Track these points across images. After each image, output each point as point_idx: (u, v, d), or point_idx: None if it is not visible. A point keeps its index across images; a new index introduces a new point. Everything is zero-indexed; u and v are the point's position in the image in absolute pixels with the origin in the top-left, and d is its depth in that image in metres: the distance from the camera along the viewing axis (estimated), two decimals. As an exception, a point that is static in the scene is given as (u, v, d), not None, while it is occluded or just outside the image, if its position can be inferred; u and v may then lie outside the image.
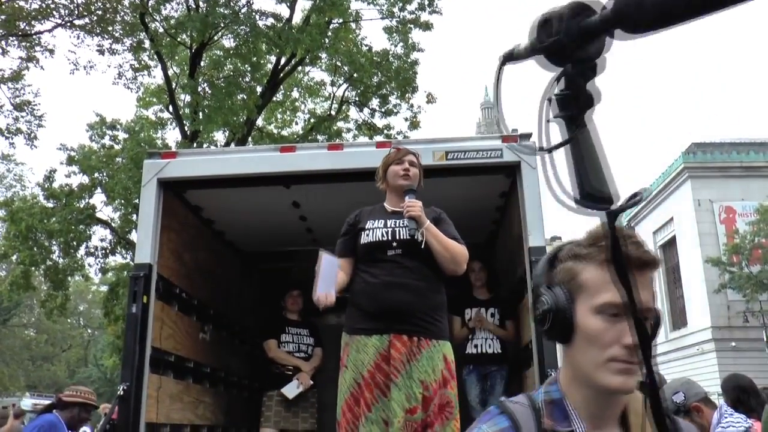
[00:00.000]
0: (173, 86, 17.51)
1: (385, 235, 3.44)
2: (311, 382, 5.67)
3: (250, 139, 17.75)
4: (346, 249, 3.58)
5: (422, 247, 3.37)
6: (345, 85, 19.49)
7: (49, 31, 15.37)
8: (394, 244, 3.42)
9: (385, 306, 3.29)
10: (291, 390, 5.57)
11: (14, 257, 19.13)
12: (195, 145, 15.96)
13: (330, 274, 3.28)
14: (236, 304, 6.76)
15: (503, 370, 5.50)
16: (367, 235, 3.46)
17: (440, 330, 3.39)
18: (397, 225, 3.46)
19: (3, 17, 14.16)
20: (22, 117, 16.09)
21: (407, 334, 3.26)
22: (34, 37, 15.32)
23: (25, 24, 14.88)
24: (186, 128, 16.76)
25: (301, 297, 6.00)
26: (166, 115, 19.89)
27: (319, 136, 18.73)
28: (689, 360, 28.40)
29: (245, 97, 16.17)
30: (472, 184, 5.05)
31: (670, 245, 31.57)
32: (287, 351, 5.77)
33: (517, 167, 4.57)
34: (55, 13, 15.00)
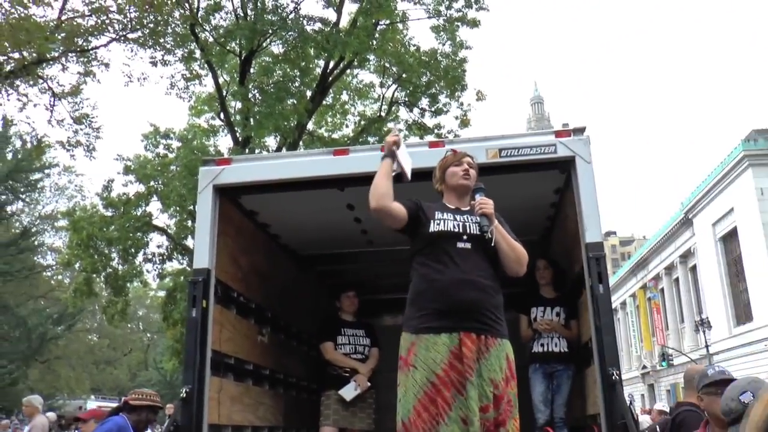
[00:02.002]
0: (224, 94, 17.84)
1: (456, 227, 3.39)
2: (368, 384, 5.67)
3: (301, 143, 17.96)
4: (407, 206, 3.50)
5: (492, 244, 3.35)
6: (394, 86, 19.55)
7: (105, 45, 15.85)
8: (465, 237, 3.39)
9: (456, 304, 3.25)
10: (348, 392, 5.57)
11: (77, 265, 19.76)
12: (247, 151, 16.23)
13: (404, 155, 3.45)
14: (292, 307, 6.84)
15: (569, 369, 5.43)
16: (438, 224, 3.42)
17: (504, 329, 3.38)
18: (467, 220, 3.45)
19: (63, 35, 14.63)
20: (81, 130, 16.60)
21: (476, 333, 3.23)
22: (90, 52, 15.80)
23: (82, 40, 15.36)
24: (237, 135, 17.05)
25: (356, 297, 6.02)
26: (217, 122, 20.32)
27: (369, 138, 18.83)
28: (756, 356, 27.52)
29: (295, 101, 16.37)
30: (526, 181, 5.00)
31: (731, 237, 30.65)
32: (344, 353, 5.77)
33: (572, 162, 4.51)
34: (110, 28, 15.45)
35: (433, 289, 3.31)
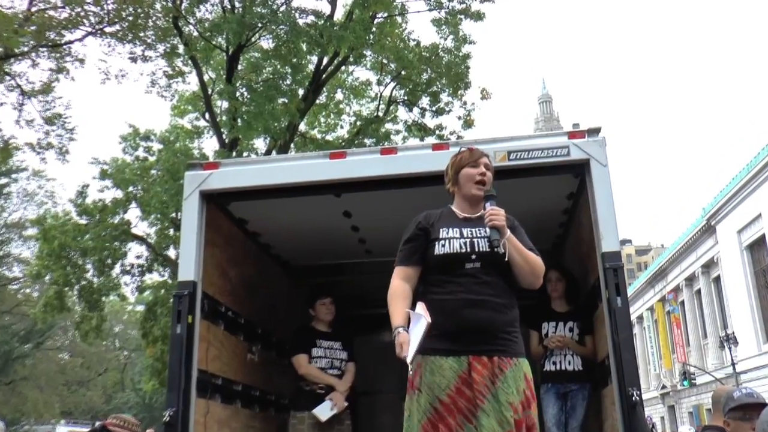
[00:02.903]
0: (209, 92, 17.87)
1: (463, 246, 3.38)
2: (346, 404, 5.56)
3: (292, 145, 18.00)
4: (413, 257, 3.50)
5: (505, 259, 3.34)
6: (392, 84, 19.61)
7: (80, 40, 15.89)
8: (473, 256, 3.35)
9: (464, 326, 3.25)
10: (324, 411, 5.42)
11: (47, 277, 19.75)
12: (234, 153, 16.27)
13: (417, 335, 3.19)
14: (286, 322, 6.84)
15: (585, 389, 5.42)
16: (443, 245, 3.40)
17: (519, 346, 3.35)
18: (475, 235, 3.41)
19: (33, 28, 14.64)
20: (53, 131, 16.62)
21: (487, 355, 3.22)
22: (64, 47, 15.81)
23: (54, 34, 15.37)
24: (224, 136, 17.09)
25: (333, 305, 5.90)
26: (202, 123, 20.39)
27: (366, 140, 18.86)
28: (785, 375, 27.54)
29: (286, 100, 16.40)
30: (536, 186, 5.03)
31: (759, 245, 30.69)
32: (319, 367, 5.64)
33: (586, 165, 4.55)
34: (85, 21, 15.48)
35: (440, 310, 3.29)
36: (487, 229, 3.38)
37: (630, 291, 51.01)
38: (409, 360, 3.16)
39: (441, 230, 3.45)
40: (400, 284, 3.47)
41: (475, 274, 3.34)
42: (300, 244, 6.41)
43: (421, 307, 3.25)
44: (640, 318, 50.62)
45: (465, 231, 3.44)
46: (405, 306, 3.35)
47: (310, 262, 7.02)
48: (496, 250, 3.34)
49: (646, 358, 49.50)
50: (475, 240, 3.40)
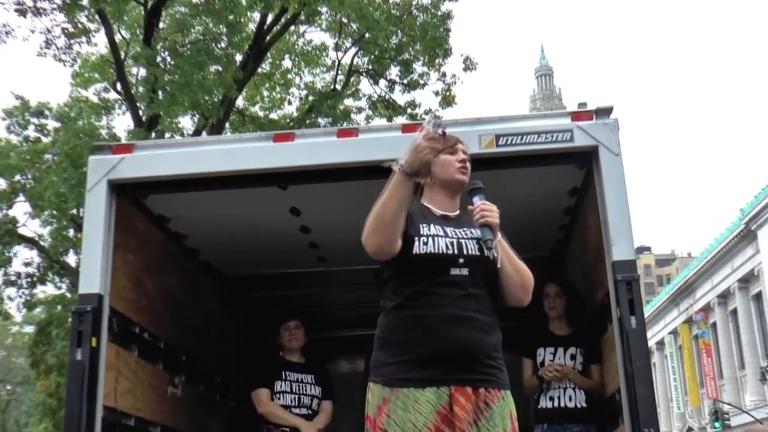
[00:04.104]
0: (122, 57, 17.68)
1: (450, 246, 3.39)
2: None
3: (227, 124, 17.91)
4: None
5: (498, 265, 3.37)
6: (353, 50, 19.64)
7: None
8: (461, 260, 3.36)
9: (447, 349, 3.24)
10: None
11: None
12: (154, 134, 16.15)
13: None
14: (217, 346, 6.83)
15: (589, 430, 5.50)
16: (425, 243, 3.38)
17: (506, 376, 3.38)
18: (462, 235, 3.43)
19: None
20: None
21: (472, 386, 3.23)
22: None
23: None
24: (141, 112, 16.93)
25: (301, 329, 6.00)
26: (112, 95, 20.16)
27: (320, 119, 18.82)
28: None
29: (220, 68, 16.29)
30: (531, 179, 5.08)
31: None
32: (283, 404, 5.73)
33: (594, 153, 4.61)
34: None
35: (416, 327, 3.29)
36: (475, 230, 3.40)
37: (648, 309, 51.61)
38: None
39: (421, 227, 3.44)
40: None
41: (460, 283, 3.35)
42: (236, 249, 6.40)
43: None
44: (661, 343, 51.26)
45: (449, 230, 3.45)
46: None
47: (248, 272, 7.02)
48: (487, 253, 3.36)
49: (668, 394, 50.15)
50: (463, 241, 3.42)
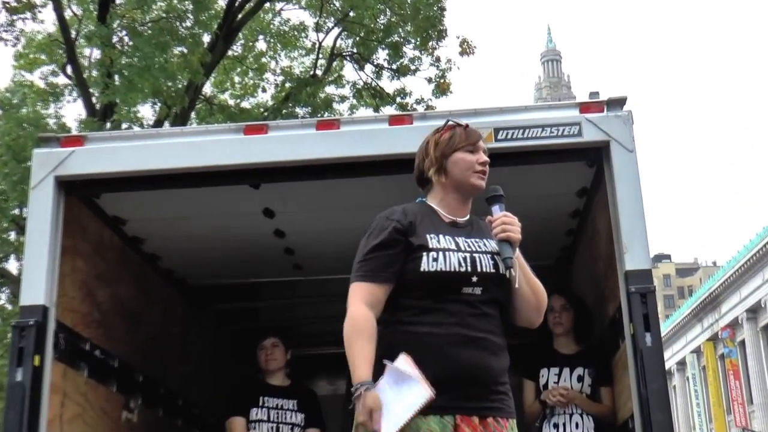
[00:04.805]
0: (73, 36, 17.62)
1: (462, 263, 3.34)
2: None
3: (193, 114, 17.86)
4: (388, 269, 3.38)
5: (516, 286, 3.37)
6: (336, 30, 19.61)
7: None
8: (474, 278, 3.34)
9: (455, 373, 3.22)
10: None
11: None
12: (109, 125, 16.05)
13: (407, 405, 3.13)
14: (179, 366, 6.81)
15: None
16: (435, 259, 3.33)
17: (512, 404, 3.39)
18: (476, 249, 3.40)
19: None
20: None
21: (479, 415, 3.23)
22: None
23: None
24: (94, 100, 16.87)
25: (279, 347, 5.98)
26: (62, 80, 20.04)
27: (298, 108, 18.77)
28: None
29: (185, 51, 16.26)
30: (534, 178, 5.10)
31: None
32: None
33: (605, 150, 4.63)
34: None
35: (419, 346, 3.26)
36: (489, 241, 3.40)
37: (667, 326, 51.80)
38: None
39: (429, 238, 3.39)
40: (364, 313, 3.29)
41: (473, 302, 3.33)
42: (201, 255, 6.40)
43: (405, 361, 3.16)
44: (682, 363, 51.40)
45: (461, 242, 3.41)
46: (372, 347, 3.23)
47: (215, 281, 7.02)
48: (504, 271, 3.35)
49: (690, 421, 50.30)
50: (477, 256, 3.38)
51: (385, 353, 3.28)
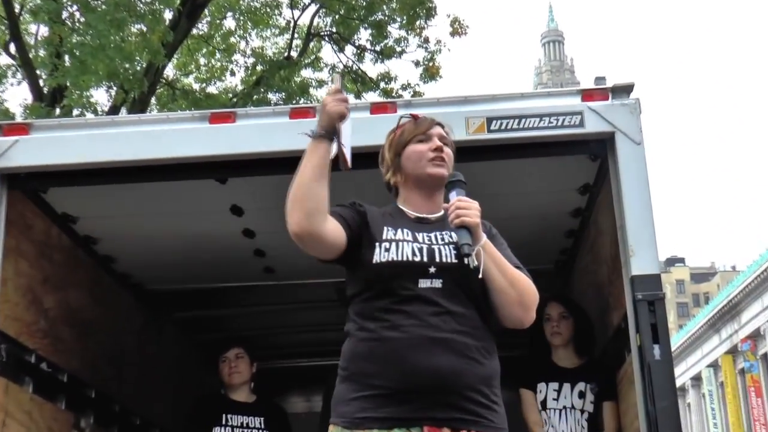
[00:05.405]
0: (17, 11, 17.56)
1: (417, 252, 3.38)
2: None
3: (153, 99, 17.80)
4: (337, 207, 3.51)
5: (479, 276, 3.34)
6: (314, 7, 19.59)
7: None
8: (432, 269, 3.35)
9: (417, 378, 3.21)
10: None
11: None
12: (59, 111, 16.01)
13: (348, 131, 3.43)
14: (136, 380, 6.81)
15: None
16: (387, 249, 3.39)
17: (501, 418, 3.35)
18: (436, 240, 3.44)
19: None
20: None
21: (450, 427, 3.21)
22: None
23: None
24: (42, 82, 16.82)
25: (243, 359, 6.00)
26: (4, 59, 19.96)
27: (270, 94, 18.76)
28: None
29: (144, 29, 16.22)
30: (531, 173, 5.13)
31: None
32: None
33: (609, 142, 4.65)
34: None
35: (379, 354, 3.29)
36: (452, 233, 3.40)
37: (680, 337, 52.05)
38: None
39: (385, 230, 3.46)
40: None
41: (432, 298, 3.33)
42: (162, 257, 6.40)
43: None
44: (698, 379, 51.62)
45: (420, 235, 3.45)
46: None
47: (177, 286, 7.03)
48: (466, 261, 3.32)
49: (706, 442, 50.44)
50: (435, 247, 3.42)
51: (348, 364, 3.37)
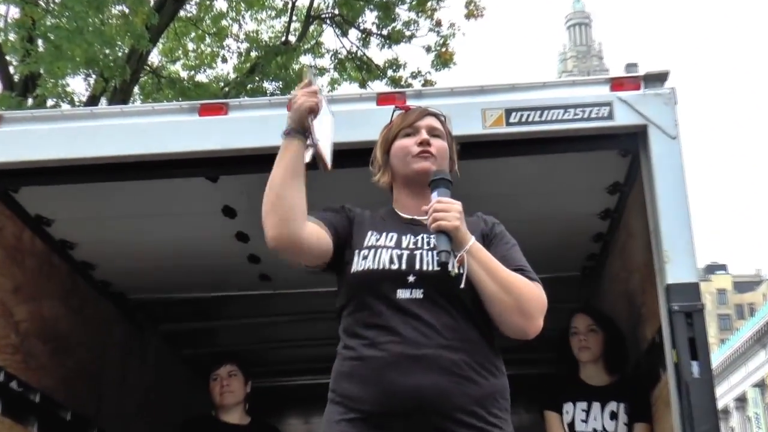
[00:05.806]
0: (-13, -8, 17.62)
1: (395, 260, 3.38)
2: None
3: (137, 89, 17.83)
4: (325, 212, 3.60)
5: (461, 285, 3.30)
6: (314, -12, 19.59)
7: None
8: (411, 278, 3.35)
9: (395, 401, 3.22)
10: None
11: None
12: (31, 101, 16.05)
13: (324, 127, 3.43)
14: (117, 400, 6.82)
15: None
16: (365, 257, 3.42)
17: None
18: (421, 245, 3.43)
19: None
20: None
21: None
22: None
23: None
24: (12, 70, 16.86)
25: (238, 377, 6.02)
26: (-28, 46, 20.03)
27: (266, 84, 18.79)
28: None
29: (127, 11, 16.25)
30: (554, 170, 5.13)
31: None
32: None
33: (641, 136, 4.65)
34: None
35: (359, 375, 3.31)
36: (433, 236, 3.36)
37: (722, 353, 51.95)
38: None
39: (369, 235, 3.49)
40: None
41: (412, 309, 3.33)
42: (146, 264, 6.42)
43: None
44: (742, 400, 51.56)
45: (405, 238, 3.47)
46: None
47: (163, 295, 7.05)
48: (446, 269, 3.27)
49: (751, 470, 50.41)
50: (418, 252, 3.42)
51: (334, 385, 3.40)
